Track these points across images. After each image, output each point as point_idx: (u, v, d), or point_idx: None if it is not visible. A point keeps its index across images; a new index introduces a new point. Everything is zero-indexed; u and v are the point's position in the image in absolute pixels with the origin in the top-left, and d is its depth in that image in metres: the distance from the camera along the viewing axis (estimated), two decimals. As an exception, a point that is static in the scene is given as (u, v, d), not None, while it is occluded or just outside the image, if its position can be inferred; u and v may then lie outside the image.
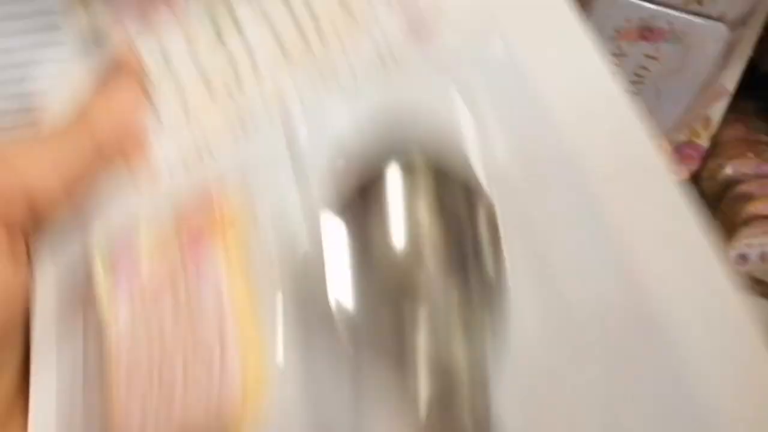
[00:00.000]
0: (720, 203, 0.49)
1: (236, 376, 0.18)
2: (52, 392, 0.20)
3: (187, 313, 0.19)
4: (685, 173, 0.45)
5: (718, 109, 0.41)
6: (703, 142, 0.43)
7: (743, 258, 0.46)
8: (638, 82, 0.36)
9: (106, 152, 0.22)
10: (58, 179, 0.21)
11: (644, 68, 0.35)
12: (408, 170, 0.21)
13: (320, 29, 0.22)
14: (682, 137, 0.41)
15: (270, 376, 0.19)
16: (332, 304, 0.19)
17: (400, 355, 0.19)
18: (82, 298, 0.21)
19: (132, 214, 0.21)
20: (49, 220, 0.22)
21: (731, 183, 0.48)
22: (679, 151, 0.43)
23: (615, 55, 0.35)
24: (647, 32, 0.34)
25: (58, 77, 0.24)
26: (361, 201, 0.20)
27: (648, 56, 0.35)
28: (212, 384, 0.18)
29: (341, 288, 0.19)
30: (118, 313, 0.19)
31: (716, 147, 0.49)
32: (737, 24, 0.34)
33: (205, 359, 0.18)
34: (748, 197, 0.46)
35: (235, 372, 0.18)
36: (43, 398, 0.20)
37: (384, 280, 0.19)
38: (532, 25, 0.22)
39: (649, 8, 0.33)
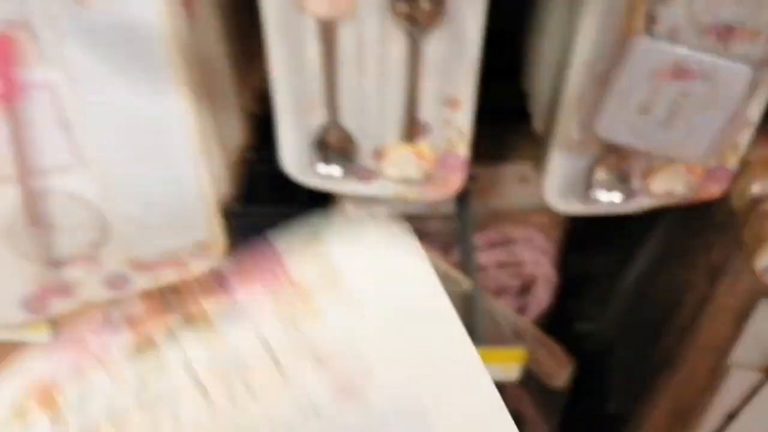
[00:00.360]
0: (748, 219, 0.52)
1: None
2: None
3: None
4: (715, 193, 0.49)
5: (744, 137, 0.45)
6: (732, 165, 0.47)
7: (769, 270, 0.50)
8: (672, 116, 0.40)
9: None
10: None
11: (677, 104, 0.39)
12: None
13: (248, 381, 0.24)
14: (712, 163, 0.45)
15: None
16: None
17: None
18: None
19: None
20: None
21: (758, 200, 0.52)
22: (710, 174, 0.47)
23: (650, 93, 0.39)
24: (680, 73, 0.38)
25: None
26: None
27: (680, 94, 0.39)
28: None
29: None
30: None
31: (744, 167, 0.52)
32: (761, 64, 0.38)
33: None
34: (774, 214, 0.50)
35: None
36: None
37: None
38: (460, 408, 0.23)
39: (681, 52, 0.37)
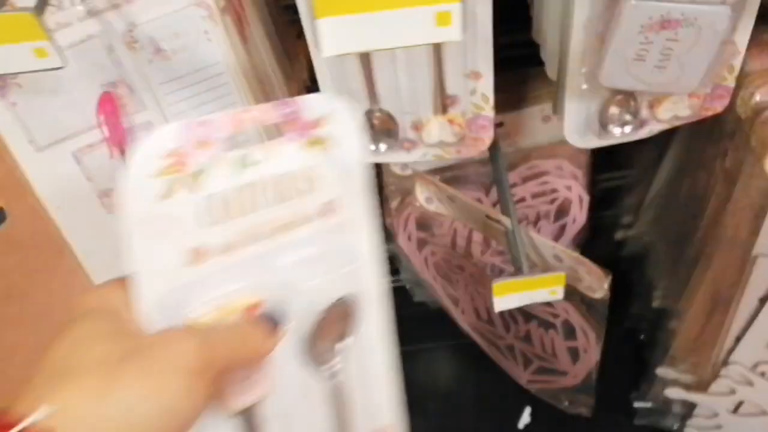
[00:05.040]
0: (753, 126, 0.58)
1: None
2: None
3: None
4: (718, 110, 0.55)
5: (738, 60, 0.50)
6: (730, 83, 0.53)
7: (778, 167, 0.55)
8: (665, 59, 0.46)
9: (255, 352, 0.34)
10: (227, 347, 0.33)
11: (668, 48, 0.45)
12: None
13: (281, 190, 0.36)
14: (707, 90, 0.51)
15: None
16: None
17: None
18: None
19: None
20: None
21: (760, 109, 0.57)
22: (711, 95, 0.53)
23: (643, 43, 0.45)
24: (666, 23, 0.44)
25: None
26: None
27: (669, 39, 0.45)
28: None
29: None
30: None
31: (746, 77, 0.58)
32: (738, 4, 0.44)
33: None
34: (775, 120, 0.55)
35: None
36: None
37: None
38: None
39: (666, 6, 0.43)
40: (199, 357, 0.31)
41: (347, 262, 0.38)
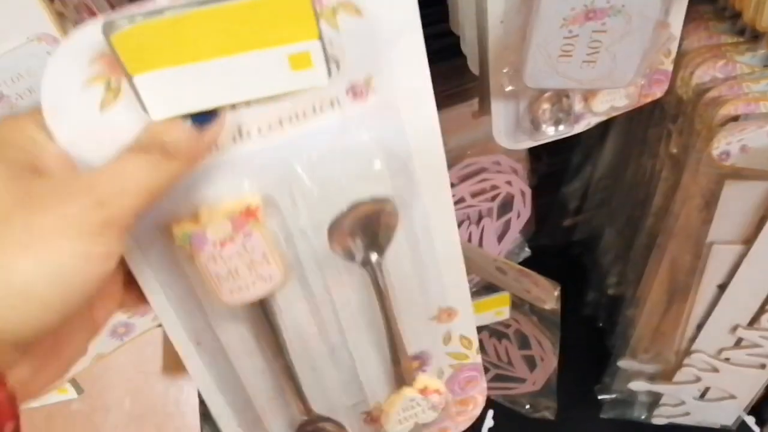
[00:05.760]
0: (696, 108, 0.53)
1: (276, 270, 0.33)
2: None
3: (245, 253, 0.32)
4: (657, 95, 0.50)
5: (674, 44, 0.45)
6: (667, 66, 0.48)
7: (726, 154, 0.51)
8: (594, 52, 0.40)
9: (176, 166, 0.27)
10: (133, 195, 0.27)
11: (596, 41, 0.40)
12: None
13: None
14: (643, 80, 0.46)
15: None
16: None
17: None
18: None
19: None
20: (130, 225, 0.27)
21: (703, 89, 0.53)
22: (649, 80, 0.48)
23: (567, 38, 0.39)
24: (591, 14, 0.38)
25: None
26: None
27: (597, 31, 0.39)
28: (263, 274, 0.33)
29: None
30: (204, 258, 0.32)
31: (684, 56, 0.53)
32: (669, -16, 0.39)
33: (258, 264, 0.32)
34: (720, 102, 0.51)
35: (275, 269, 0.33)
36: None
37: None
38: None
39: (588, -6, 0.38)
40: (97, 217, 0.26)
41: (381, 155, 0.32)
